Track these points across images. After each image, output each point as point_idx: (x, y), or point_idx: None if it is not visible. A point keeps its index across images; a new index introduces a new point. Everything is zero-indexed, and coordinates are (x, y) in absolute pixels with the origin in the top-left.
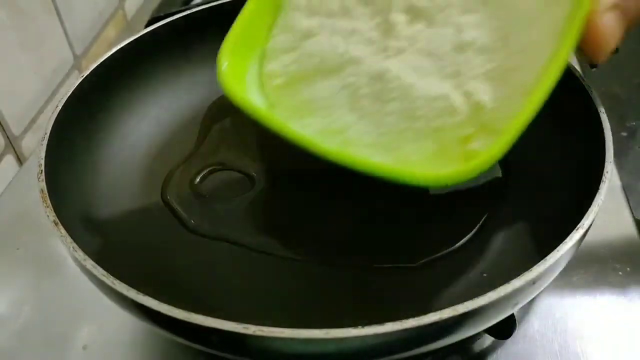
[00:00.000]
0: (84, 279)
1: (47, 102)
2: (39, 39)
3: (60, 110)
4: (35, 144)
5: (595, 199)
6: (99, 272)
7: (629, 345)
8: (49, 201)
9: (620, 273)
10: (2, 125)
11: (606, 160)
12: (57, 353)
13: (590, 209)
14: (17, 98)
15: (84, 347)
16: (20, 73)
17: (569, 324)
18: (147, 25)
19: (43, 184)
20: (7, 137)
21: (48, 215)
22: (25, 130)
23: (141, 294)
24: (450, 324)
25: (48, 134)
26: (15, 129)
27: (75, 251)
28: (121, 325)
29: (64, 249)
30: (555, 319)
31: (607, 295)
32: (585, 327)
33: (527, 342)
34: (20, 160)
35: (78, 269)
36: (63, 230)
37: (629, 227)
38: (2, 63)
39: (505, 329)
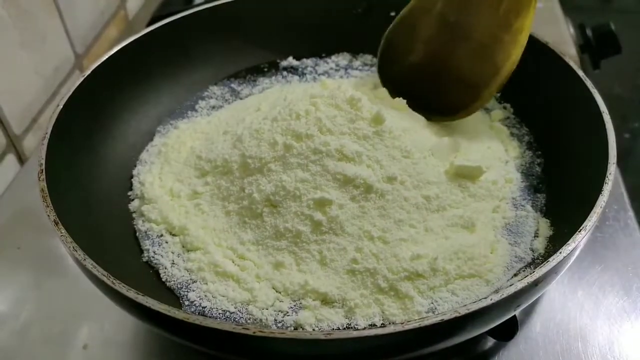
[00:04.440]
0: (85, 278)
1: (48, 102)
2: (40, 38)
3: (61, 110)
4: (37, 144)
5: (598, 200)
6: (99, 272)
7: (631, 347)
8: (49, 201)
9: (623, 274)
10: (3, 125)
11: (609, 162)
12: (58, 352)
13: (592, 211)
14: (18, 97)
15: (84, 346)
16: (21, 72)
17: (571, 326)
18: (148, 25)
19: (43, 184)
20: (9, 137)
21: (48, 215)
22: (27, 130)
23: (140, 294)
24: (452, 325)
25: (49, 134)
26: (16, 128)
27: (75, 251)
28: (121, 324)
29: (64, 249)
30: (557, 321)
31: (610, 296)
32: (587, 329)
33: (528, 344)
34: (21, 159)
35: (78, 268)
36: (63, 230)
37: (633, 228)
38: (3, 62)
39: (507, 331)
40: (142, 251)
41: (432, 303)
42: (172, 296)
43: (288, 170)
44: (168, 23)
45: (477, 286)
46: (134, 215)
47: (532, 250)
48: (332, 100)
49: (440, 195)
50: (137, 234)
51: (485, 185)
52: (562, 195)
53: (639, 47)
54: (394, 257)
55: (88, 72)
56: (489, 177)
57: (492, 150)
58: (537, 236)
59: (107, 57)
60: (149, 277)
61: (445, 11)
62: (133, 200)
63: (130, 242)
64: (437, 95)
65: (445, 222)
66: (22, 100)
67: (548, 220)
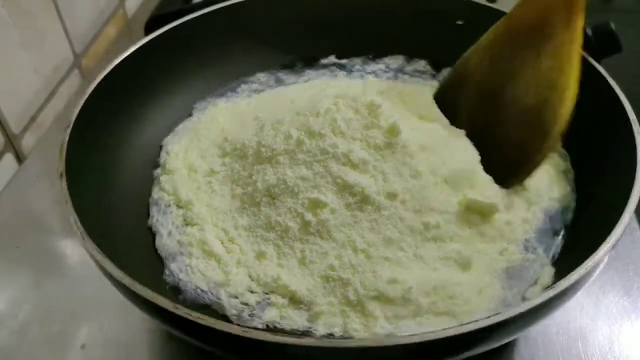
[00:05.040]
0: (83, 278)
1: (47, 101)
2: (39, 38)
3: (83, 106)
4: (35, 142)
5: (613, 231)
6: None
7: (631, 347)
8: (74, 213)
9: (623, 274)
10: (1, 124)
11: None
12: (56, 352)
13: (606, 241)
14: (17, 96)
15: (83, 346)
16: (20, 71)
17: (571, 326)
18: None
19: (66, 194)
20: (7, 136)
21: (73, 222)
22: (25, 129)
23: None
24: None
25: (71, 128)
26: (14, 128)
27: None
28: (120, 324)
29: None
30: (557, 321)
31: (610, 296)
32: (587, 329)
33: (529, 344)
34: (19, 158)
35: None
36: (80, 227)
37: (633, 228)
38: (2, 61)
39: None
40: (149, 216)
41: (395, 329)
42: (159, 263)
43: (294, 166)
44: (228, 6)
45: (447, 325)
46: (154, 181)
47: (524, 299)
48: (353, 103)
49: (441, 226)
50: (150, 199)
51: (497, 225)
52: (577, 245)
53: (639, 47)
54: (371, 273)
55: (136, 47)
56: (504, 217)
57: (523, 188)
58: (536, 284)
59: (155, 35)
60: (147, 242)
61: (484, 80)
62: (159, 167)
63: (145, 206)
64: (488, 164)
65: (440, 254)
66: (20, 100)
67: (553, 269)
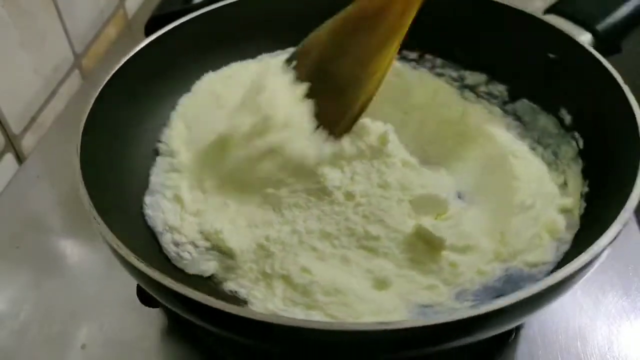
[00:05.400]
0: (83, 278)
1: (47, 101)
2: (39, 38)
3: (141, 50)
4: (35, 143)
5: (612, 226)
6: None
7: (630, 347)
8: (109, 234)
9: (622, 274)
10: (2, 124)
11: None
12: (56, 352)
13: (604, 235)
14: (17, 96)
15: (83, 346)
16: (20, 71)
17: (570, 325)
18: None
19: (91, 208)
20: (7, 136)
21: (103, 235)
22: (25, 129)
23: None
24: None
25: (84, 122)
26: (15, 128)
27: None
28: (120, 324)
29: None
30: (556, 320)
31: (609, 296)
32: (587, 329)
33: (528, 343)
34: (19, 159)
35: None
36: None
37: (633, 228)
38: (2, 61)
39: (503, 335)
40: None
41: (286, 311)
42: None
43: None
44: (231, 3)
45: None
46: None
47: None
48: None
49: (381, 240)
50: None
51: (440, 262)
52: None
53: (639, 47)
54: (294, 256)
55: (134, 51)
56: (453, 257)
57: (504, 243)
58: None
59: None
60: (142, 181)
61: (322, 55)
62: None
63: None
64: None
65: (366, 265)
66: (21, 100)
67: None
